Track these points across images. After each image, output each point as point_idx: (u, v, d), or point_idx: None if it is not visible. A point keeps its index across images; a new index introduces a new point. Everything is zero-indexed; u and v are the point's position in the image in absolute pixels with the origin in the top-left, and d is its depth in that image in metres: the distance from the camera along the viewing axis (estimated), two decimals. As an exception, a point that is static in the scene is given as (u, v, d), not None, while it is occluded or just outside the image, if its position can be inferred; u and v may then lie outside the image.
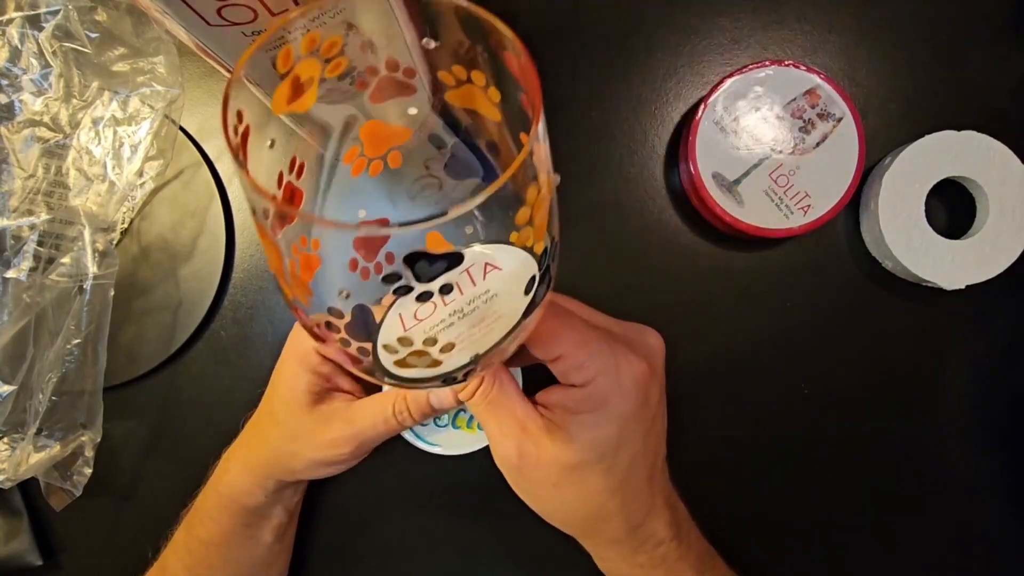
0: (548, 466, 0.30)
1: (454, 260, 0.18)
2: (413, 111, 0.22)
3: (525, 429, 0.30)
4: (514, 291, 0.21)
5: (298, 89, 0.20)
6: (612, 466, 0.30)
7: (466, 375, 0.23)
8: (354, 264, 0.22)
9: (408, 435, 0.41)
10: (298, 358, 0.37)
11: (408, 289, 0.18)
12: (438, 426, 0.41)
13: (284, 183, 0.21)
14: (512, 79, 0.20)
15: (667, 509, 0.33)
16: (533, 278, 0.22)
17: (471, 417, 0.41)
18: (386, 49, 0.28)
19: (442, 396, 0.34)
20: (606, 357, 0.30)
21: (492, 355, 0.22)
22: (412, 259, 0.17)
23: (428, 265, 0.18)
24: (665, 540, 0.33)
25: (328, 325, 0.21)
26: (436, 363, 0.21)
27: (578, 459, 0.30)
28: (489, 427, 0.31)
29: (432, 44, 0.21)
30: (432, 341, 0.20)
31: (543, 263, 0.22)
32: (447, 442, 0.41)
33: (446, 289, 0.19)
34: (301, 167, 0.22)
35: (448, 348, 0.21)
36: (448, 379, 0.23)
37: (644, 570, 0.33)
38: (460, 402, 0.33)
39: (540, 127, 0.19)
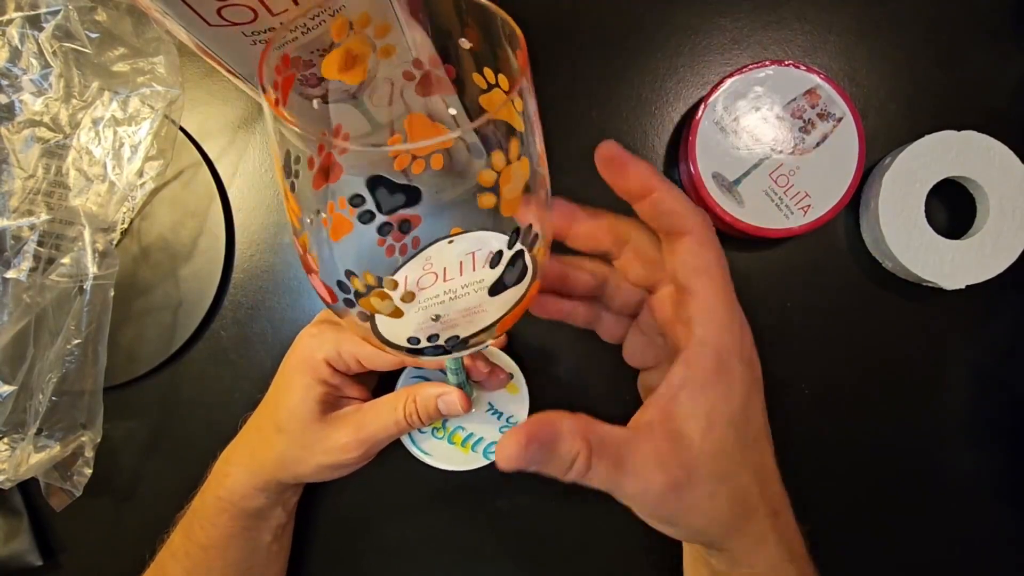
0: (695, 465, 0.26)
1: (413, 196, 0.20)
2: (453, 111, 0.23)
3: (657, 458, 0.25)
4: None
5: (350, 61, 0.22)
6: (745, 441, 0.27)
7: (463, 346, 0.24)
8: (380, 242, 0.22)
9: (405, 438, 0.41)
10: (308, 370, 0.37)
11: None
12: (435, 437, 0.41)
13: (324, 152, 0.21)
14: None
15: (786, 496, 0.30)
16: (500, 253, 0.22)
17: (469, 435, 0.41)
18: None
19: (449, 401, 0.35)
20: (727, 318, 0.27)
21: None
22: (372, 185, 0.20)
23: (388, 194, 0.20)
24: (798, 533, 0.30)
25: (340, 286, 0.22)
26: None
27: (718, 438, 0.26)
28: (625, 485, 0.26)
29: (467, 44, 0.22)
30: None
31: (512, 241, 0.22)
32: (439, 454, 0.41)
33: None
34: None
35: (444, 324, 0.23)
36: (454, 346, 0.24)
37: (797, 568, 0.29)
38: (467, 410, 0.35)
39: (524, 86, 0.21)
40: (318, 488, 0.45)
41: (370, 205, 0.20)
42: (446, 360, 0.33)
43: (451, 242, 0.24)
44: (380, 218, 0.21)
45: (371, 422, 0.36)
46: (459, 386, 0.36)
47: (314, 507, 0.45)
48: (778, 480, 0.30)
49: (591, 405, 0.45)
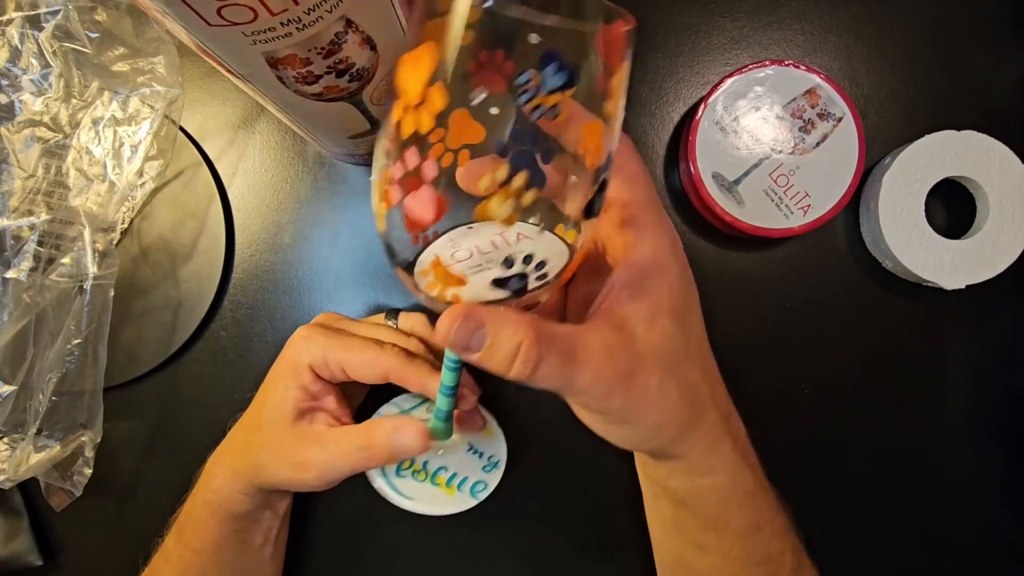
0: (642, 354, 0.26)
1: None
2: (495, 111, 0.22)
3: (605, 348, 0.26)
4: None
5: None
6: (688, 337, 0.28)
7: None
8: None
9: (384, 487, 0.40)
10: (293, 372, 0.36)
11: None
12: (416, 480, 0.40)
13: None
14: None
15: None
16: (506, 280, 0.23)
17: (452, 476, 0.40)
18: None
19: (407, 440, 0.32)
20: (658, 222, 0.29)
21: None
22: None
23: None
24: (748, 440, 0.32)
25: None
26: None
27: (662, 330, 0.27)
28: (576, 379, 0.25)
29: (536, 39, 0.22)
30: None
31: (514, 265, 0.23)
32: (423, 497, 0.40)
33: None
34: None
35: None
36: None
37: (752, 472, 0.31)
38: (426, 448, 0.33)
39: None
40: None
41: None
42: (444, 376, 0.30)
43: None
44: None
45: (335, 445, 0.35)
46: (446, 415, 0.32)
47: (313, 506, 0.45)
48: (725, 388, 0.32)
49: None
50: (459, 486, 0.40)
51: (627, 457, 0.40)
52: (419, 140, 0.21)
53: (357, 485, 0.45)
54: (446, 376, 0.31)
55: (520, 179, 0.21)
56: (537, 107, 0.21)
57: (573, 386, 0.25)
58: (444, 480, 0.40)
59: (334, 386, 0.38)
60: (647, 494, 0.37)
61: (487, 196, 0.21)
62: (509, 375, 0.24)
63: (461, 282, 0.23)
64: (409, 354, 0.36)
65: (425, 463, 0.40)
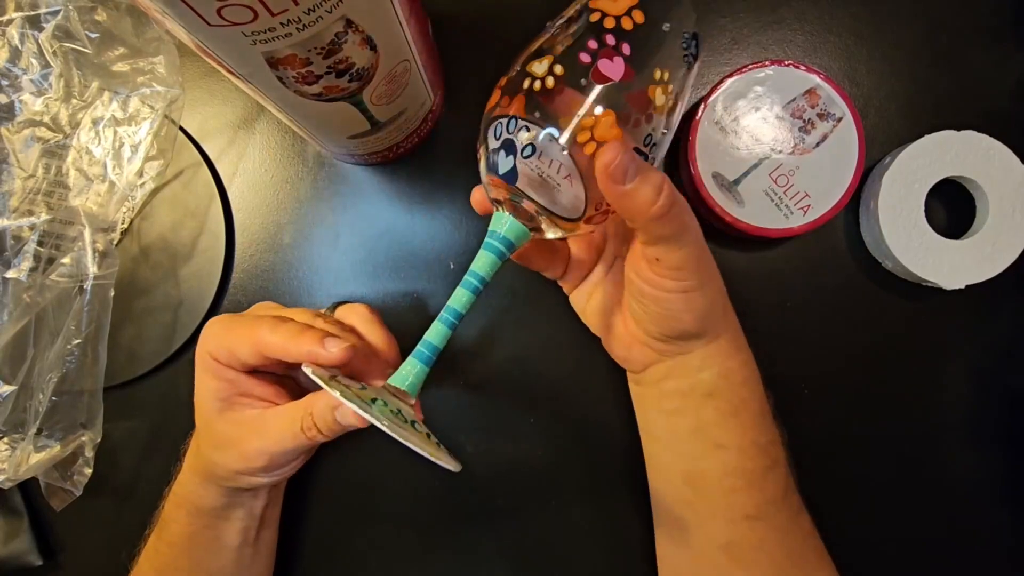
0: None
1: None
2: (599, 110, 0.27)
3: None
4: None
5: None
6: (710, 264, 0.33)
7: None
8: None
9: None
10: (202, 364, 0.35)
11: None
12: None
13: None
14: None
15: None
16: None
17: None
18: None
19: (345, 414, 0.31)
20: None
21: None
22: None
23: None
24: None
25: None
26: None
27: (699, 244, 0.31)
28: (690, 226, 0.30)
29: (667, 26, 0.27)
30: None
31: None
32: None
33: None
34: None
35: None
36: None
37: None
38: (364, 424, 0.30)
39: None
40: (316, 486, 0.45)
41: None
42: (457, 296, 0.30)
43: None
44: None
45: (272, 431, 0.33)
46: (430, 356, 0.30)
47: (313, 506, 0.45)
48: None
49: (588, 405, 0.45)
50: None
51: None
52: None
53: (357, 483, 0.45)
54: (461, 296, 0.30)
55: None
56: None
57: (687, 234, 0.30)
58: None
59: (255, 373, 0.36)
60: (660, 418, 0.38)
61: None
62: (652, 208, 0.27)
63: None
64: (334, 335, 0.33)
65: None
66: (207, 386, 0.35)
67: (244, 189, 0.46)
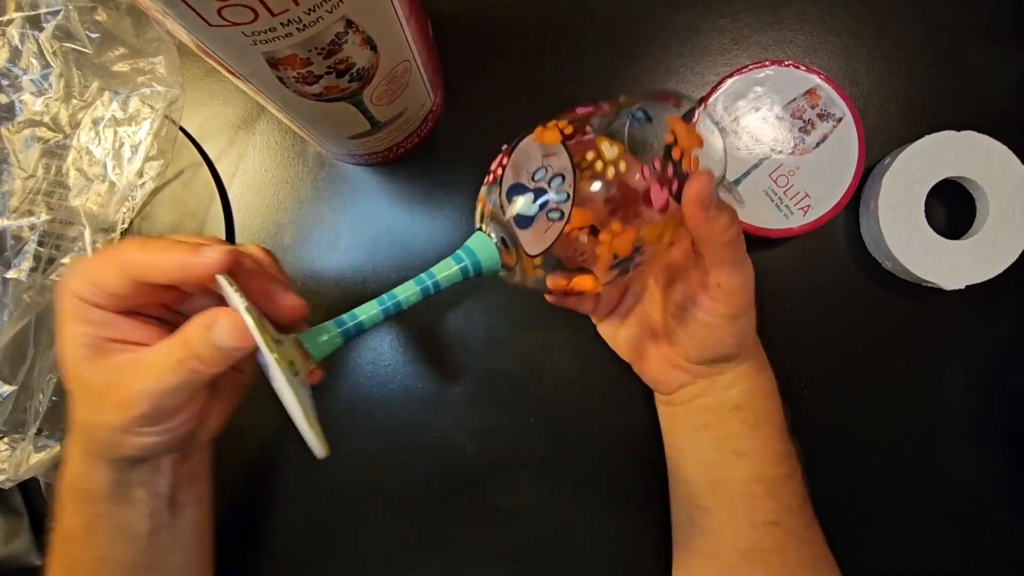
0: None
1: None
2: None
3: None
4: None
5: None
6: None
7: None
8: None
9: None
10: (64, 309, 0.29)
11: None
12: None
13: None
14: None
15: None
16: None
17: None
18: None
19: (223, 335, 0.26)
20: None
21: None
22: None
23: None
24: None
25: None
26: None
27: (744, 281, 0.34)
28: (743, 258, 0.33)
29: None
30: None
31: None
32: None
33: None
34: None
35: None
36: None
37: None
38: (245, 342, 0.26)
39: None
40: (315, 486, 0.45)
41: None
42: (404, 289, 0.30)
43: None
44: None
45: (148, 368, 0.28)
46: (352, 329, 0.28)
47: (312, 505, 0.45)
48: None
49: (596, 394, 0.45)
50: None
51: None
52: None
53: (356, 483, 0.45)
54: (409, 291, 0.30)
55: None
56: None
57: (746, 262, 0.34)
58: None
59: (130, 315, 0.30)
60: (688, 433, 0.39)
61: None
62: (727, 235, 0.31)
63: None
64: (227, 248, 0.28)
65: None
66: (71, 333, 0.29)
67: (244, 189, 0.46)
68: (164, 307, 0.31)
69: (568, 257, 0.29)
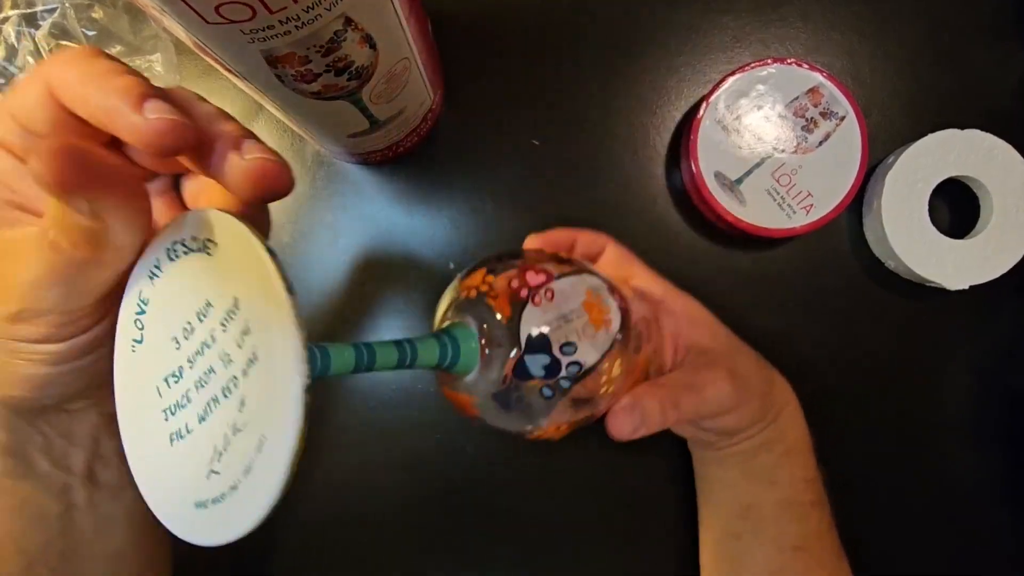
0: (721, 359, 0.35)
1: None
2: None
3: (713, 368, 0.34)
4: None
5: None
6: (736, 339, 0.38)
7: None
8: None
9: None
10: None
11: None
12: None
13: None
14: None
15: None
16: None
17: None
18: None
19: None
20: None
21: None
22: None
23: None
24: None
25: None
26: None
27: (724, 343, 0.37)
28: (696, 410, 0.33)
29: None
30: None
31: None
32: None
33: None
34: None
35: None
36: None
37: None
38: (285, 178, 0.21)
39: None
40: (315, 487, 0.45)
41: None
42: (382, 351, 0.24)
43: None
44: None
45: (20, 248, 0.21)
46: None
47: (311, 505, 0.45)
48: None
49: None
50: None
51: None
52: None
53: (355, 482, 0.44)
54: (388, 356, 0.24)
55: None
56: None
57: (705, 403, 0.33)
58: None
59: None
60: (720, 470, 0.39)
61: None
62: (664, 427, 0.31)
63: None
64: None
65: None
66: None
67: (242, 188, 0.46)
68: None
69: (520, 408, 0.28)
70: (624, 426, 0.30)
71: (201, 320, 0.20)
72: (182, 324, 0.20)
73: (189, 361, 0.20)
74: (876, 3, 0.45)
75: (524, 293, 0.27)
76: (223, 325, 0.19)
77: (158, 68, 0.44)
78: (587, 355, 0.27)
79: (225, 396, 0.19)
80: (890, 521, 0.44)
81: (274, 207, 0.45)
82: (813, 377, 0.44)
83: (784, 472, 0.37)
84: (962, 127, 0.41)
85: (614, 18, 0.45)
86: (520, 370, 0.26)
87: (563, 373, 0.27)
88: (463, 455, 0.44)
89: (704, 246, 0.45)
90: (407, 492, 0.45)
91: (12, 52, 0.43)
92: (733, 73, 0.41)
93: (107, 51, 0.42)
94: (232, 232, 0.19)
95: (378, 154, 0.42)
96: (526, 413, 0.28)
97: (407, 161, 0.45)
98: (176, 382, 0.20)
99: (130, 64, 0.44)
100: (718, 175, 0.41)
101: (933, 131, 0.41)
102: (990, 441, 0.44)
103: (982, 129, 0.41)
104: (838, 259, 0.45)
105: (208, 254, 0.20)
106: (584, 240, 0.37)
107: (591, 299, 0.28)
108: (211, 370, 0.19)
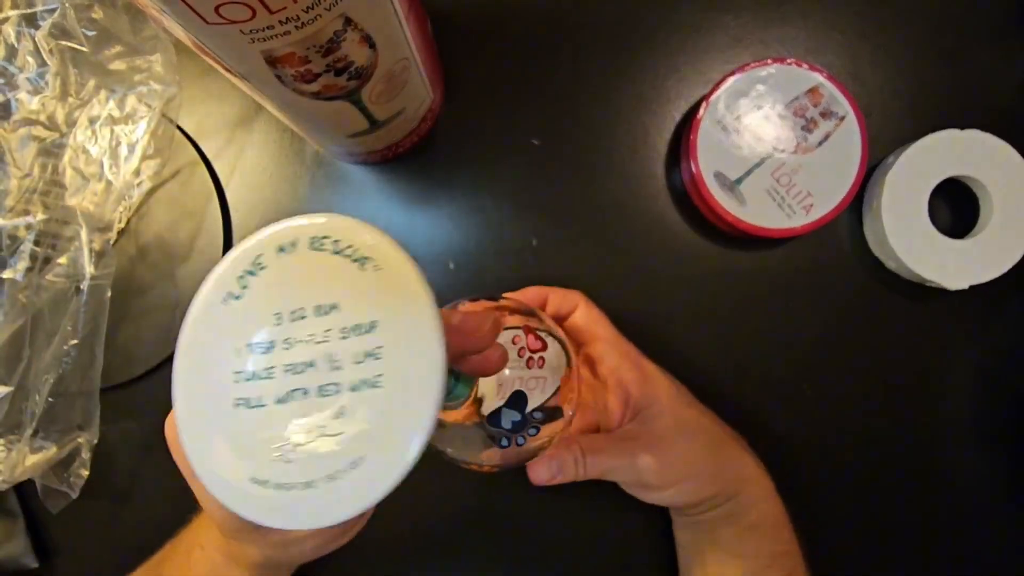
0: (664, 436, 0.36)
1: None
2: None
3: (639, 443, 0.36)
4: None
5: None
6: (693, 404, 0.38)
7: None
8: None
9: None
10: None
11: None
12: None
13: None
14: None
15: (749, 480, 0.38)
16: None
17: None
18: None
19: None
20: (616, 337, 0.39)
21: None
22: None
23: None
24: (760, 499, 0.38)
25: None
26: None
27: (679, 414, 0.37)
28: (602, 472, 0.35)
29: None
30: None
31: None
32: None
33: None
34: None
35: None
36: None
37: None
38: None
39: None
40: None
41: None
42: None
43: None
44: None
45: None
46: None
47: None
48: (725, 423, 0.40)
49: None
50: None
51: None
52: None
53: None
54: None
55: None
56: None
57: (618, 471, 0.35)
58: None
59: None
60: (687, 533, 0.41)
61: None
62: (576, 478, 0.34)
63: None
64: None
65: None
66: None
67: (242, 188, 0.46)
68: None
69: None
70: (542, 473, 0.34)
71: (319, 315, 0.20)
72: (293, 306, 0.20)
73: (286, 342, 0.20)
74: (877, 3, 0.45)
75: (524, 354, 0.31)
76: (344, 333, 0.20)
77: (158, 68, 0.44)
78: (547, 421, 0.31)
79: (320, 395, 0.19)
80: (891, 520, 0.44)
81: (273, 207, 0.46)
82: (813, 377, 0.44)
83: (750, 546, 0.37)
84: (962, 127, 0.41)
85: (614, 18, 0.45)
86: (494, 418, 0.30)
87: (527, 431, 0.30)
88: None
89: (704, 246, 0.45)
90: (406, 493, 0.45)
91: (12, 52, 0.43)
92: (733, 73, 0.41)
93: (107, 51, 0.42)
94: (405, 278, 0.20)
95: (378, 154, 0.42)
96: (473, 450, 0.31)
97: (406, 160, 0.45)
98: (263, 353, 0.20)
99: (130, 64, 0.44)
100: (718, 175, 0.41)
101: (933, 131, 0.41)
102: (990, 440, 0.44)
103: (982, 129, 0.41)
104: (838, 259, 0.45)
105: (361, 269, 0.20)
106: (555, 299, 0.38)
107: (566, 375, 0.32)
108: (311, 364, 0.19)
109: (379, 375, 0.19)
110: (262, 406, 0.19)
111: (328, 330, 0.20)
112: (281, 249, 0.21)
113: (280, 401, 0.19)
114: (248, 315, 0.20)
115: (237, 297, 0.21)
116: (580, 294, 0.39)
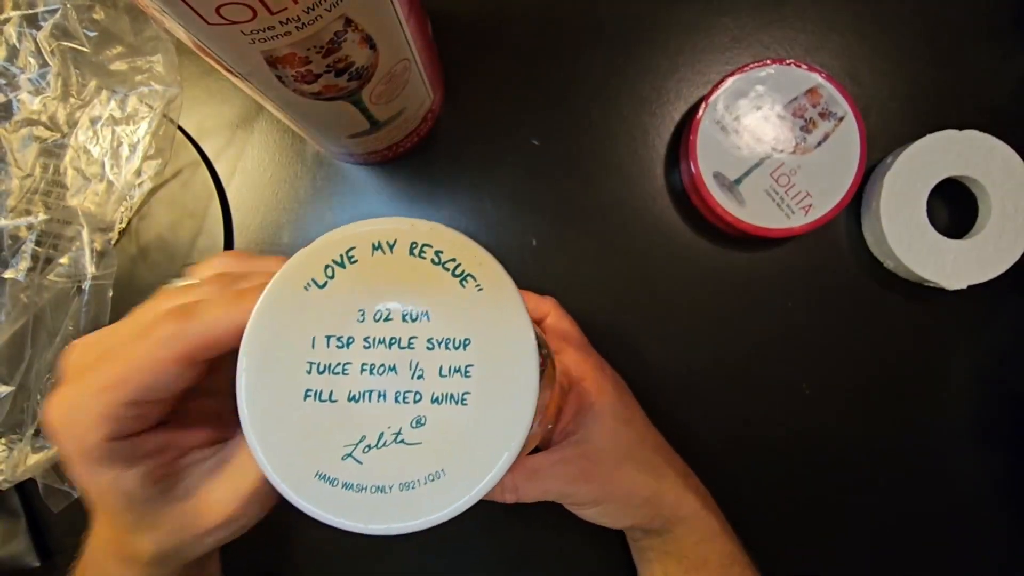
0: (598, 454, 0.35)
1: None
2: None
3: (570, 466, 0.35)
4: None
5: None
6: (632, 426, 0.37)
7: None
8: None
9: None
10: (92, 459, 0.21)
11: None
12: None
13: None
14: None
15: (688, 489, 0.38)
16: None
17: None
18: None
19: None
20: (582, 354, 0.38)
21: None
22: None
23: None
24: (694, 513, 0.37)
25: None
26: None
27: (611, 429, 0.36)
28: (550, 489, 0.35)
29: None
30: None
31: None
32: None
33: None
34: None
35: None
36: None
37: (717, 518, 0.38)
38: None
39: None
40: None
41: None
42: None
43: None
44: None
45: (242, 466, 0.23)
46: None
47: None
48: (679, 456, 0.39)
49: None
50: None
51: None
52: None
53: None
54: None
55: None
56: None
57: (550, 494, 0.35)
58: None
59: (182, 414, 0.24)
60: (638, 560, 0.41)
61: None
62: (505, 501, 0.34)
63: None
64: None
65: None
66: (120, 488, 0.22)
67: (243, 189, 0.46)
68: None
69: None
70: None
71: (406, 320, 0.20)
72: (378, 306, 0.20)
73: (366, 340, 0.20)
74: (875, 4, 0.45)
75: None
76: (431, 345, 0.20)
77: (159, 69, 0.44)
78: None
79: (396, 401, 0.19)
80: (890, 520, 0.44)
81: (274, 207, 0.46)
82: (812, 377, 0.44)
83: None
84: (960, 127, 0.41)
85: (614, 18, 0.45)
86: None
87: None
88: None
89: (703, 246, 0.45)
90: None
91: (13, 53, 0.43)
92: (732, 73, 0.41)
93: (108, 52, 0.42)
94: (511, 305, 0.21)
95: (378, 154, 0.42)
96: None
97: (407, 161, 0.45)
98: (340, 347, 0.20)
99: (131, 65, 0.44)
100: (717, 175, 0.41)
101: (931, 131, 0.41)
102: (988, 440, 0.44)
103: (980, 129, 0.41)
104: (837, 259, 0.45)
105: (462, 286, 0.20)
106: (528, 304, 0.38)
107: (546, 386, 0.31)
108: (391, 368, 0.19)
109: (466, 392, 0.19)
110: (333, 401, 0.19)
111: (413, 337, 0.20)
112: (377, 247, 0.21)
113: (353, 399, 0.19)
114: (330, 306, 0.20)
115: (321, 286, 0.20)
116: (552, 300, 0.39)
